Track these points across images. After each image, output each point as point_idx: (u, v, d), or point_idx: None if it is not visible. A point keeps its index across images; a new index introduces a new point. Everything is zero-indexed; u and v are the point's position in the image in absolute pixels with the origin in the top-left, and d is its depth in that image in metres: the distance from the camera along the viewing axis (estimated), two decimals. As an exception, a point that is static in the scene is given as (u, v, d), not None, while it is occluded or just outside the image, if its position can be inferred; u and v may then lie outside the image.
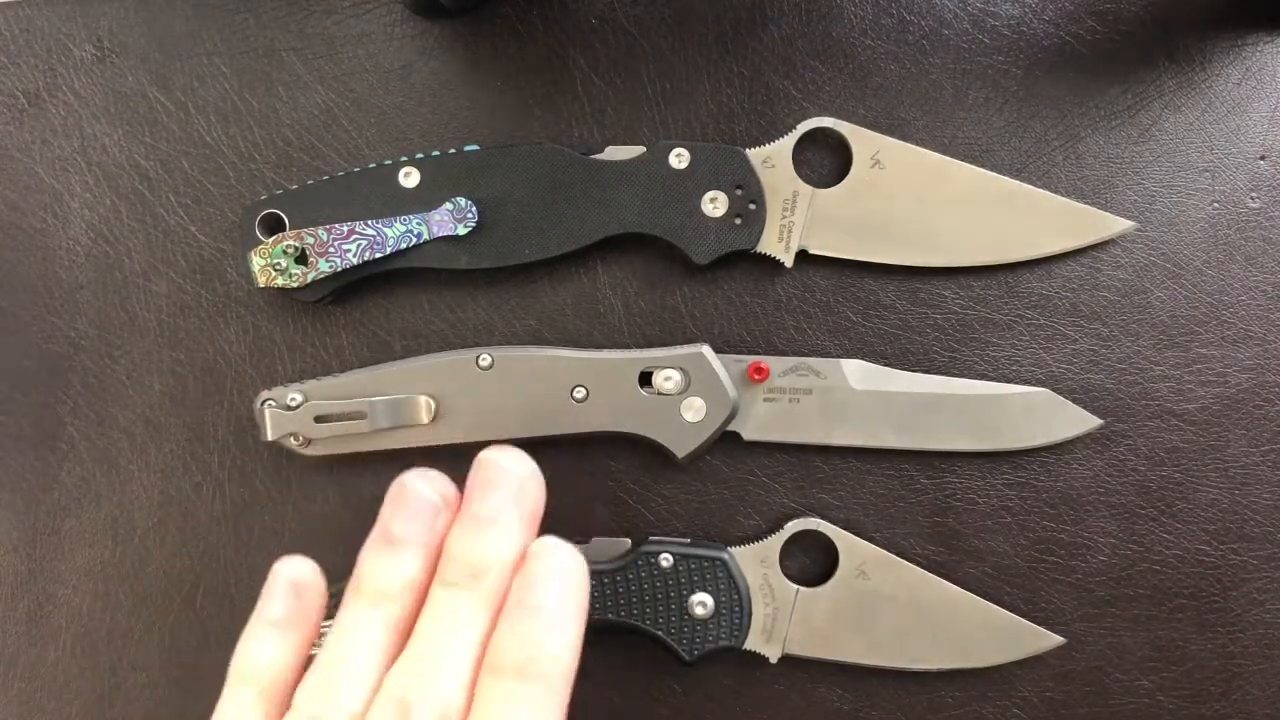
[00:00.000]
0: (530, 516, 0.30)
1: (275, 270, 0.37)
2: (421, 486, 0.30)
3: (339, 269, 0.37)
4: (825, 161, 0.39)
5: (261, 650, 0.30)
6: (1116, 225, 0.38)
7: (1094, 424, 0.38)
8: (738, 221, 0.37)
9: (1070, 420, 0.38)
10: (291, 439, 0.38)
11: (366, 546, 0.30)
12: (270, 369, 0.40)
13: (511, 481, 0.30)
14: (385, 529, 0.30)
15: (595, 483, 0.39)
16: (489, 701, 0.27)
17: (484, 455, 0.30)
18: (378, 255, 0.37)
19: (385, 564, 0.30)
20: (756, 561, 0.37)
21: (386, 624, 0.29)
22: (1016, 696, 0.38)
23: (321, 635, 0.30)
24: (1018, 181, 0.38)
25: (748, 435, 0.38)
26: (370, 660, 0.28)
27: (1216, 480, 0.38)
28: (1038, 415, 0.37)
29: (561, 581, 0.28)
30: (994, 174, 0.38)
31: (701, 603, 0.37)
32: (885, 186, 0.38)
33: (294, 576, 0.30)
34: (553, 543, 0.29)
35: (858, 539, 0.38)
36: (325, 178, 0.39)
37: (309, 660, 0.30)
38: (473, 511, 0.30)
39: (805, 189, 0.38)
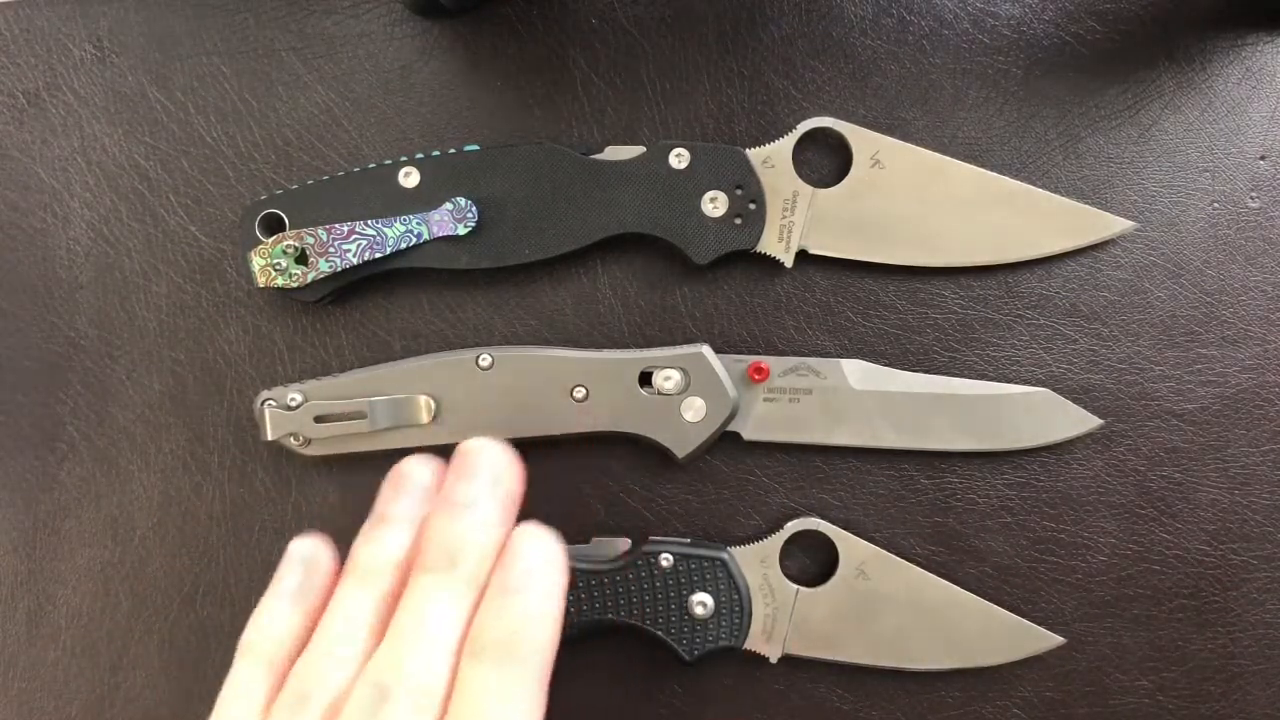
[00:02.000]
0: (506, 502, 0.30)
1: (275, 270, 0.37)
2: (416, 469, 0.32)
3: (339, 269, 0.37)
4: (825, 161, 0.39)
5: (270, 624, 0.30)
6: (1116, 225, 0.38)
7: (1094, 424, 0.38)
8: (738, 221, 0.37)
9: (1070, 420, 0.38)
10: (291, 439, 0.38)
11: (361, 531, 0.31)
12: (270, 369, 0.40)
13: (487, 469, 0.30)
14: (378, 511, 0.31)
15: (595, 483, 0.39)
16: (468, 683, 0.27)
17: (463, 445, 0.31)
18: (378, 255, 0.37)
19: (375, 542, 0.30)
20: (756, 561, 0.37)
21: (375, 601, 0.29)
22: (1016, 696, 0.38)
23: None
24: (1018, 181, 0.38)
25: (748, 435, 0.38)
26: (358, 637, 0.29)
27: (1216, 480, 0.38)
28: (1038, 415, 0.37)
29: (540, 563, 0.29)
30: (994, 174, 0.38)
31: (701, 603, 0.37)
32: (885, 186, 0.38)
33: (304, 554, 0.32)
34: (529, 528, 0.30)
35: (858, 539, 0.38)
36: (325, 178, 0.39)
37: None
38: (448, 497, 0.30)
39: (805, 189, 0.37)
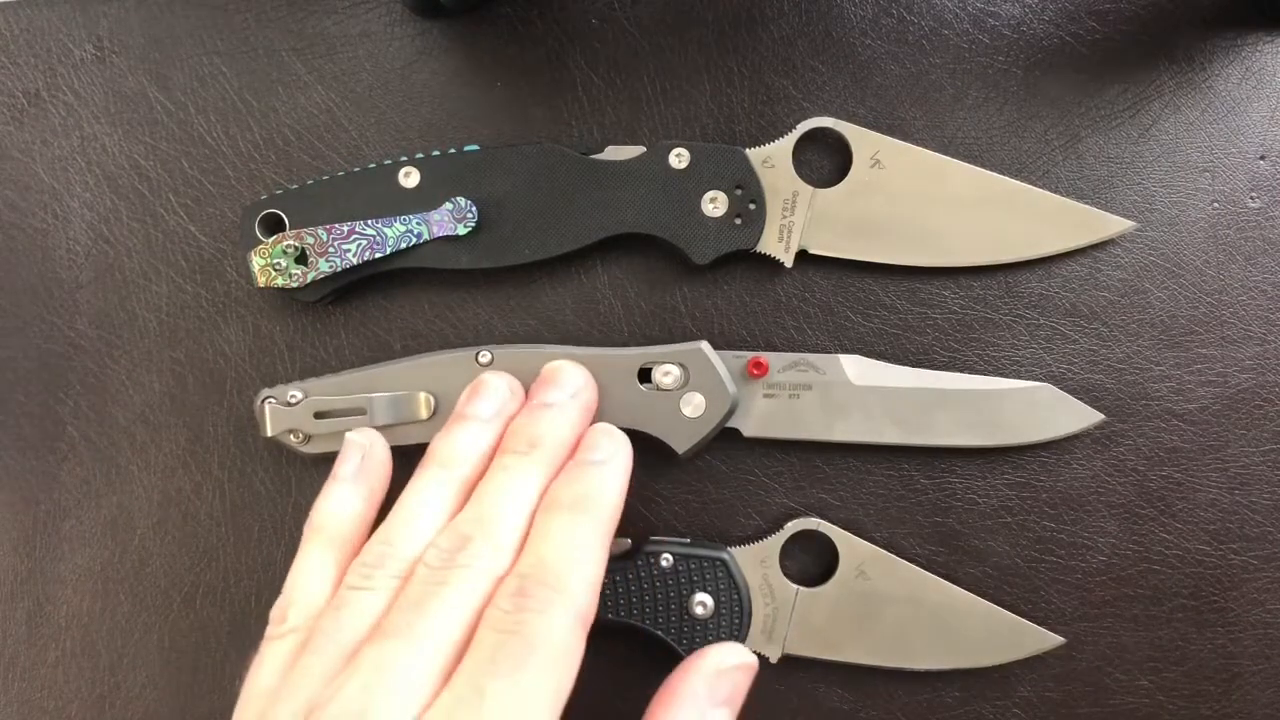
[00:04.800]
0: (583, 408, 0.35)
1: (275, 270, 0.37)
2: (494, 379, 0.35)
3: (339, 269, 0.37)
4: (825, 161, 0.39)
5: (334, 505, 0.34)
6: (1116, 225, 0.38)
7: (1095, 419, 0.38)
8: (738, 221, 0.37)
9: (1071, 415, 0.37)
10: (291, 436, 0.38)
11: (440, 431, 0.34)
12: (270, 369, 0.40)
13: (568, 382, 0.35)
14: (459, 412, 0.35)
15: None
16: (543, 528, 0.31)
17: (549, 365, 0.36)
18: (378, 255, 0.37)
19: (453, 435, 0.34)
20: (756, 561, 0.37)
21: (452, 484, 0.33)
22: (1016, 696, 0.38)
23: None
24: (1018, 181, 0.38)
25: (748, 432, 0.38)
26: (436, 511, 0.32)
27: (1216, 480, 0.38)
28: (1039, 410, 0.37)
29: (611, 445, 0.34)
30: (994, 174, 0.38)
31: (701, 603, 0.37)
32: (885, 186, 0.38)
33: (360, 441, 0.36)
34: (604, 425, 0.35)
35: (858, 539, 0.38)
36: (325, 178, 0.39)
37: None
38: (533, 401, 0.35)
39: (805, 189, 0.38)
